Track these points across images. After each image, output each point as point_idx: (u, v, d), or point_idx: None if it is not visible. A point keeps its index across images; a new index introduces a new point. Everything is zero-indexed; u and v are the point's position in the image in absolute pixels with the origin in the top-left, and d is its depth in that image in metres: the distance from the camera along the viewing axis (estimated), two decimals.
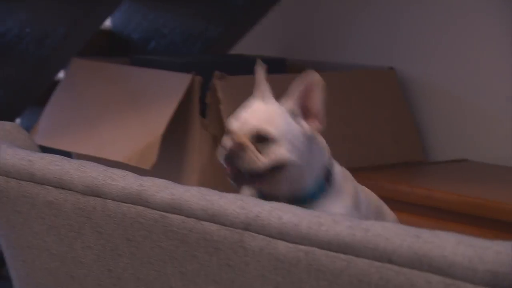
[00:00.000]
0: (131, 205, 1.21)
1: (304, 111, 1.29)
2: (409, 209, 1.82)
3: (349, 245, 1.01)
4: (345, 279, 1.01)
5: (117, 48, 2.72)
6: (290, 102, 1.29)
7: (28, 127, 2.66)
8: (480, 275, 0.91)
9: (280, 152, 1.26)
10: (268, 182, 1.28)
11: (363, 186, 1.38)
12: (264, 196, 1.31)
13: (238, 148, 1.27)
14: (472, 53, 2.27)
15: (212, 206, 1.15)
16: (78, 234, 1.27)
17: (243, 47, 2.65)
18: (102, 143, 2.21)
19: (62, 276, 1.31)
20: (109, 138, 2.21)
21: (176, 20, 2.58)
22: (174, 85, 2.12)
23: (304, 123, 1.29)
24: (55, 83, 2.51)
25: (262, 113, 1.29)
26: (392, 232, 0.98)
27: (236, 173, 1.28)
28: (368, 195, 1.37)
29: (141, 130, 2.15)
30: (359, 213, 1.31)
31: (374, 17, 2.45)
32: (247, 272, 1.11)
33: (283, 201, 1.26)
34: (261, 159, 1.26)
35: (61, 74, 2.62)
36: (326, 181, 1.30)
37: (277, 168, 1.27)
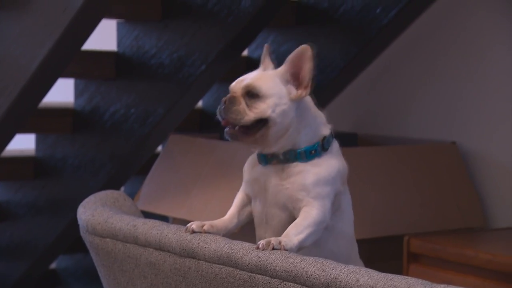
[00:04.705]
0: (222, 266, 1.20)
1: (294, 78, 1.29)
2: (473, 272, 1.75)
3: None
4: None
5: (208, 124, 2.76)
6: (283, 69, 1.30)
7: (131, 194, 2.70)
8: None
9: (263, 107, 1.27)
10: (256, 137, 1.28)
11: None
12: (265, 157, 1.29)
13: (230, 101, 1.28)
14: None
15: (294, 268, 1.13)
16: None
17: None
18: (194, 208, 2.22)
19: None
20: (200, 204, 2.22)
21: None
22: None
23: (292, 88, 1.29)
24: (155, 156, 2.56)
25: (256, 74, 1.31)
26: None
27: (229, 126, 1.28)
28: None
29: (229, 195, 2.15)
30: (334, 185, 1.29)
31: (438, 94, 2.42)
32: None
33: (280, 159, 1.28)
34: (247, 112, 1.27)
35: (160, 148, 2.66)
36: (322, 147, 1.29)
37: (261, 123, 1.27)
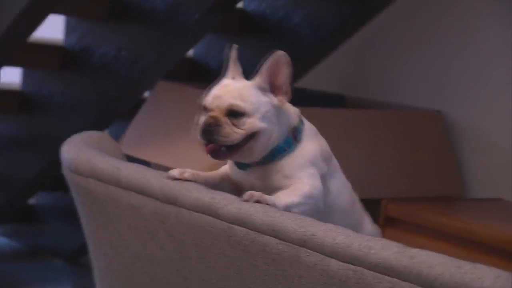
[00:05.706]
0: (202, 214, 1.21)
1: (272, 86, 1.28)
2: (447, 239, 1.78)
3: (395, 269, 0.99)
4: None
5: (197, 74, 2.74)
6: (259, 78, 1.28)
7: (115, 137, 2.70)
8: None
9: (254, 123, 1.25)
10: (243, 151, 1.26)
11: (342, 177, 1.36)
12: (239, 164, 1.28)
13: (214, 123, 1.25)
14: None
15: (273, 222, 1.14)
16: (153, 236, 1.27)
17: (306, 82, 2.64)
18: (178, 156, 2.22)
19: (136, 271, 1.32)
20: (184, 152, 2.22)
21: (248, 53, 2.59)
22: None
23: (271, 96, 1.27)
24: (141, 101, 2.55)
25: (234, 89, 1.27)
26: (436, 261, 0.96)
27: (214, 148, 1.26)
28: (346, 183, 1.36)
29: None
30: (316, 168, 1.28)
31: (425, 62, 2.42)
32: (299, 284, 1.09)
33: (255, 164, 1.27)
34: (237, 131, 1.24)
35: (147, 94, 2.65)
36: (294, 139, 1.29)
37: (250, 137, 1.26)
